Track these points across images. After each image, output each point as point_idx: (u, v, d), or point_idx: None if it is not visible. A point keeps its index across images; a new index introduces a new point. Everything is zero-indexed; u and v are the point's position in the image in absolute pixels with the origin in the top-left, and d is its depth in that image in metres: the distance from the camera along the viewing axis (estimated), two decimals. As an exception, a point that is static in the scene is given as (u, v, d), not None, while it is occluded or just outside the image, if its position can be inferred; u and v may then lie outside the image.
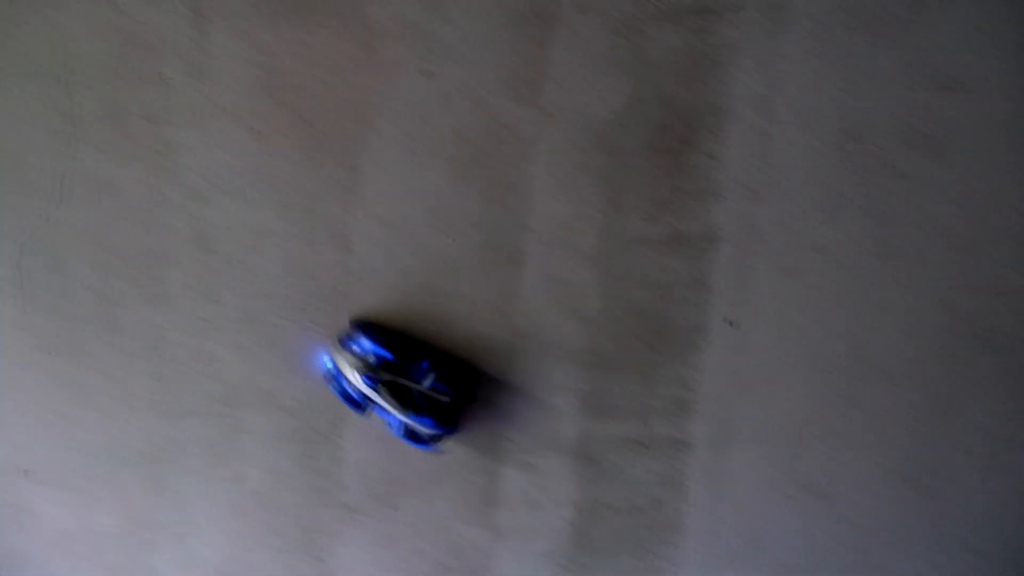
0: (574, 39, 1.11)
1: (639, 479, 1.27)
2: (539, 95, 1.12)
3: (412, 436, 1.18)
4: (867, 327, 1.17)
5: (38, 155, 1.22)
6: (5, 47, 1.20)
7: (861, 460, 1.23)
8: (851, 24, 1.08)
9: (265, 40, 1.14)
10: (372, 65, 1.13)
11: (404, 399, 1.14)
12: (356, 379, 1.13)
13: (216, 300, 1.24)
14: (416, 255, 1.19)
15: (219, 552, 1.35)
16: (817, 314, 1.18)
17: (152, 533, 1.36)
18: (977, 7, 1.06)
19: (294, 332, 1.23)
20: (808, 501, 1.26)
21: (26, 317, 1.28)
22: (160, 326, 1.26)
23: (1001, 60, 1.07)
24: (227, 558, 1.36)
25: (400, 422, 1.16)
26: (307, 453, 1.29)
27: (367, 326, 1.19)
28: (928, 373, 1.19)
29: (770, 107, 1.11)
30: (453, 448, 1.26)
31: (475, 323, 1.21)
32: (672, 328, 1.20)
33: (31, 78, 1.19)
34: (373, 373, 1.13)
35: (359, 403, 1.16)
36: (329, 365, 1.18)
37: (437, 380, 1.16)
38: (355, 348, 1.16)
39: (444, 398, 1.16)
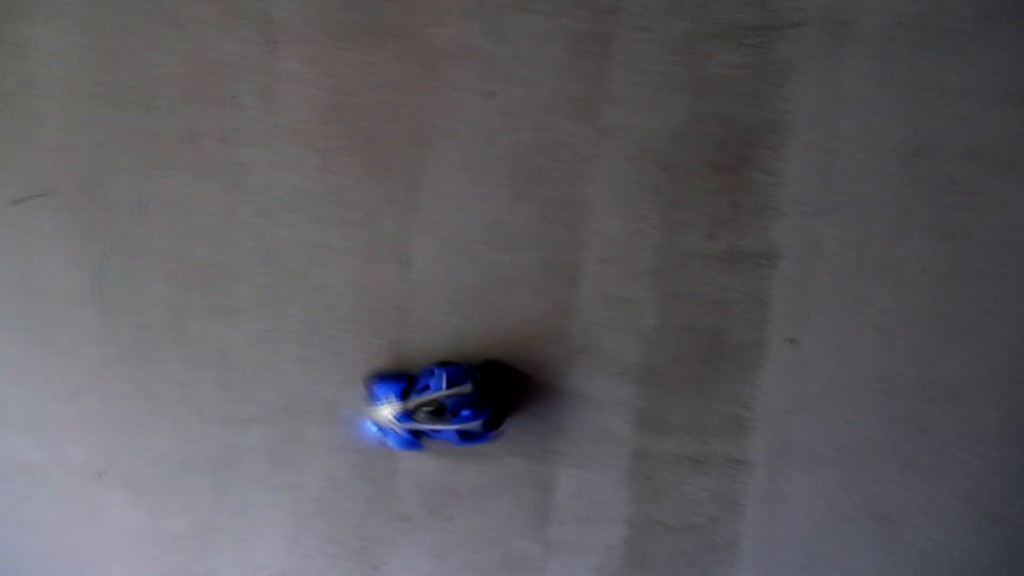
0: (632, 58, 1.12)
1: (694, 497, 1.25)
2: (597, 114, 1.13)
3: (468, 436, 1.20)
4: (935, 349, 1.14)
5: (119, 174, 1.29)
6: (91, 73, 1.29)
7: (928, 486, 1.19)
8: (916, 40, 1.06)
9: (331, 63, 1.19)
10: (433, 86, 1.16)
11: (438, 412, 1.17)
12: (393, 422, 1.18)
13: (280, 313, 1.29)
14: (474, 271, 1.22)
15: (278, 558, 1.39)
16: (882, 334, 1.15)
17: (215, 537, 1.41)
18: (1050, 20, 1.03)
19: (354, 345, 1.27)
20: (871, 526, 1.22)
21: (104, 327, 1.35)
22: (227, 338, 1.31)
23: (1077, 73, 1.04)
24: (285, 564, 1.39)
25: (450, 432, 1.18)
26: (364, 463, 1.32)
27: (374, 377, 1.25)
28: (1000, 397, 1.14)
29: (832, 124, 1.09)
30: (508, 462, 1.27)
31: (531, 338, 1.22)
32: (729, 345, 1.19)
33: (114, 103, 1.27)
34: (401, 410, 1.17)
35: (412, 441, 1.22)
36: (373, 428, 1.25)
37: (453, 376, 1.18)
38: (379, 399, 1.22)
39: (466, 387, 1.17)
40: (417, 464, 1.31)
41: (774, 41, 1.08)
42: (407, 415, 1.17)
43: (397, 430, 1.20)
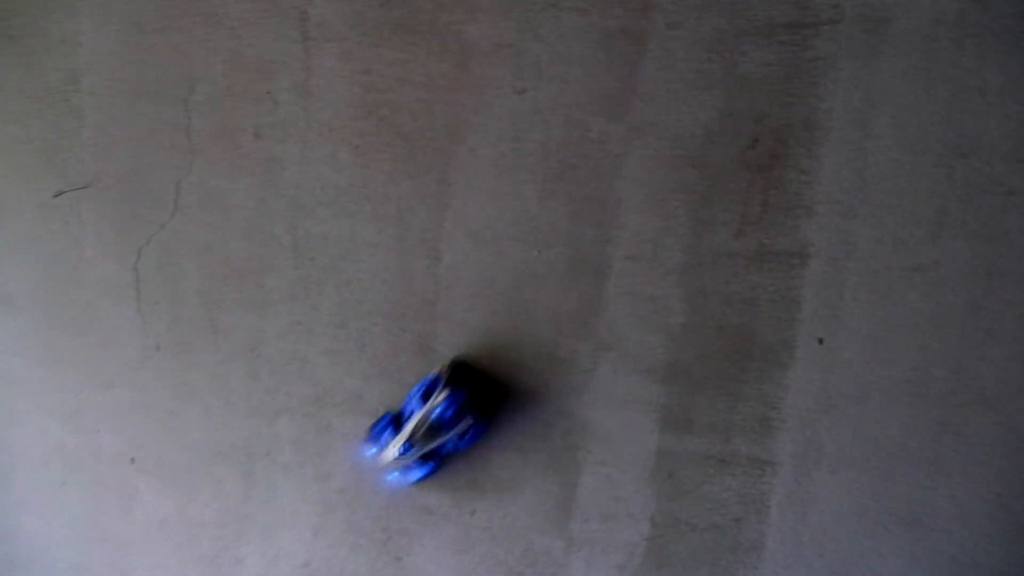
0: (665, 56, 1.12)
1: (718, 497, 1.25)
2: (628, 111, 1.13)
3: (471, 433, 1.23)
4: (969, 351, 1.12)
5: (158, 168, 1.32)
6: (132, 69, 1.32)
7: (959, 490, 1.17)
8: (957, 37, 1.04)
9: (366, 60, 1.20)
10: (466, 82, 1.17)
11: (433, 428, 1.20)
12: (402, 458, 1.22)
13: (311, 306, 1.31)
14: (502, 266, 1.22)
15: (303, 547, 1.41)
16: (914, 336, 1.13)
17: (242, 525, 1.43)
18: (1097, 17, 1.01)
19: (383, 338, 1.29)
20: (900, 531, 1.21)
21: (139, 317, 1.38)
22: (259, 329, 1.33)
23: (1124, 72, 1.02)
24: (310, 553, 1.42)
25: (453, 441, 1.21)
26: (390, 455, 1.34)
27: (368, 431, 1.29)
28: (1036, 401, 1.12)
29: (868, 122, 1.08)
30: (532, 457, 1.27)
31: (558, 334, 1.22)
32: (757, 344, 1.18)
33: (155, 98, 1.30)
34: (401, 443, 1.21)
35: (427, 466, 1.25)
36: (395, 473, 1.27)
37: (426, 390, 1.21)
38: (380, 446, 1.25)
39: (442, 393, 1.20)
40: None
41: (809, 38, 1.07)
42: (409, 445, 1.20)
43: (408, 463, 1.24)
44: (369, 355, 1.30)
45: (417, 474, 1.26)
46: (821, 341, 1.16)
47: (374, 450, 1.27)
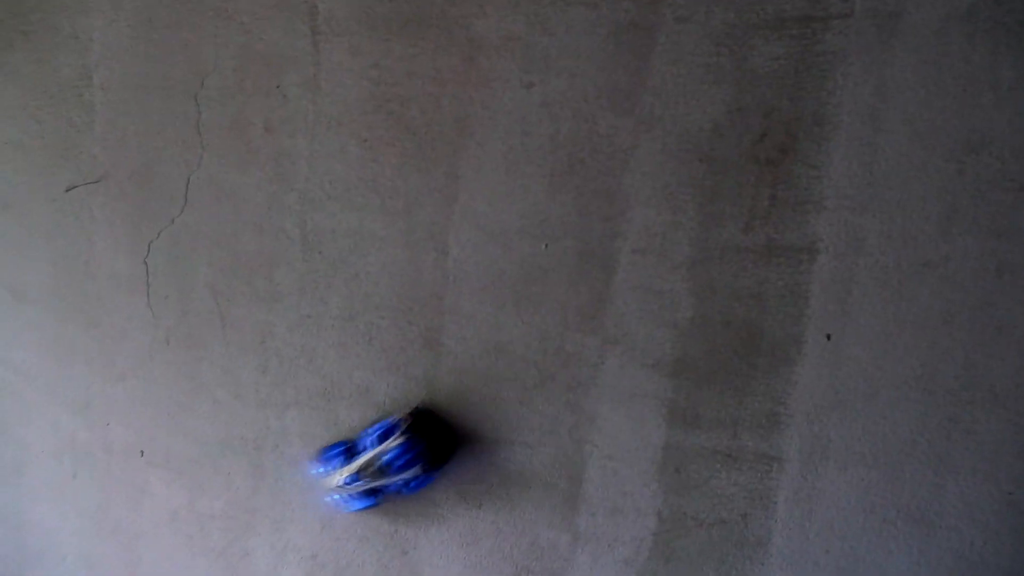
0: (674, 49, 1.12)
1: (725, 492, 1.25)
2: (637, 105, 1.13)
3: (414, 482, 1.26)
4: (979, 348, 1.12)
5: (168, 163, 1.33)
6: (143, 64, 1.33)
7: (968, 487, 1.17)
8: (968, 32, 1.04)
9: (375, 55, 1.21)
10: (475, 76, 1.17)
11: (381, 471, 1.23)
12: (345, 487, 1.25)
13: (320, 299, 1.31)
14: (510, 260, 1.23)
15: (311, 539, 1.42)
16: (924, 332, 1.13)
17: (251, 517, 1.44)
18: (1111, 11, 1.00)
19: (391, 332, 1.29)
20: (908, 528, 1.20)
21: (150, 310, 1.39)
22: (268, 322, 1.34)
23: None
24: (318, 545, 1.42)
25: (398, 485, 1.25)
26: (397, 449, 1.34)
27: (319, 451, 1.32)
28: (1047, 398, 1.12)
29: (878, 117, 1.08)
30: (538, 451, 1.28)
31: (565, 328, 1.23)
32: (765, 339, 1.18)
33: (165, 93, 1.31)
34: (347, 474, 1.24)
35: (367, 499, 1.28)
36: (336, 498, 1.30)
37: (383, 432, 1.24)
38: (327, 470, 1.29)
39: (397, 439, 1.23)
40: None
41: (819, 32, 1.07)
42: (356, 478, 1.24)
43: (351, 493, 1.26)
44: (377, 348, 1.31)
45: (357, 505, 1.29)
46: (829, 337, 1.16)
47: (321, 470, 1.30)
